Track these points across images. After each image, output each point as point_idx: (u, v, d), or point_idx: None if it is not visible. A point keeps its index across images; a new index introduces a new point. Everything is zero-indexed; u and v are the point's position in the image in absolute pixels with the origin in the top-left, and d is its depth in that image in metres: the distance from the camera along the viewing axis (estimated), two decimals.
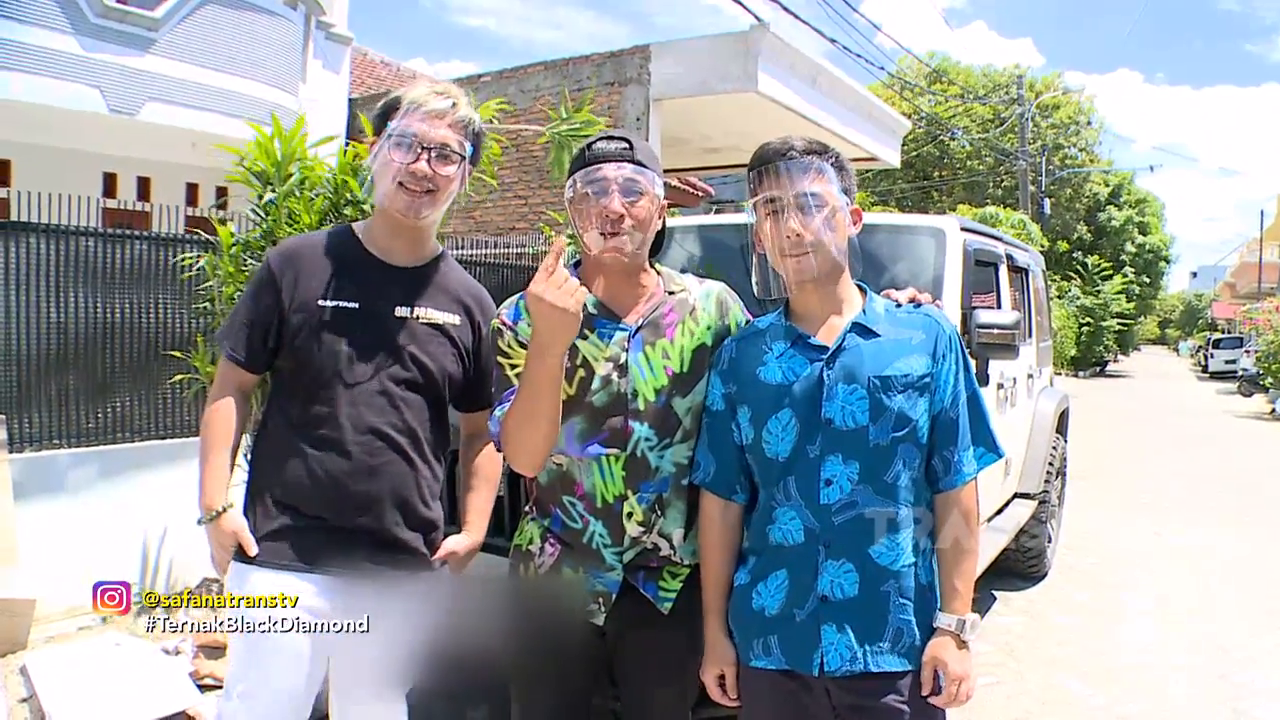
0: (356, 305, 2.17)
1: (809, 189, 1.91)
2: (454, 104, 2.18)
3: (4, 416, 4.90)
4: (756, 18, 10.08)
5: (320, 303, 2.15)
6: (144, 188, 9.73)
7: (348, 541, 2.13)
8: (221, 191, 4.79)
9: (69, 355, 5.27)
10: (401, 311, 2.21)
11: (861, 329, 1.96)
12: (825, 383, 1.91)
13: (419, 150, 2.14)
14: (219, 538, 2.15)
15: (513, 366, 2.06)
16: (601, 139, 2.07)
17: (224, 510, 2.14)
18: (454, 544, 2.32)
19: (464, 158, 2.21)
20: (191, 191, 9.60)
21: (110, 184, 9.52)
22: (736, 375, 2.02)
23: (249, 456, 2.33)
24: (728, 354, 2.06)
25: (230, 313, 2.25)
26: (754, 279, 2.08)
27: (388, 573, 2.17)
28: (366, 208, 4.92)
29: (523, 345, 2.02)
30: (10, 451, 4.89)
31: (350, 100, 10.93)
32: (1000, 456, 2.02)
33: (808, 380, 1.93)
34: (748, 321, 2.18)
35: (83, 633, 4.79)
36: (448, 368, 2.26)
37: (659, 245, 2.17)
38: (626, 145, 2.03)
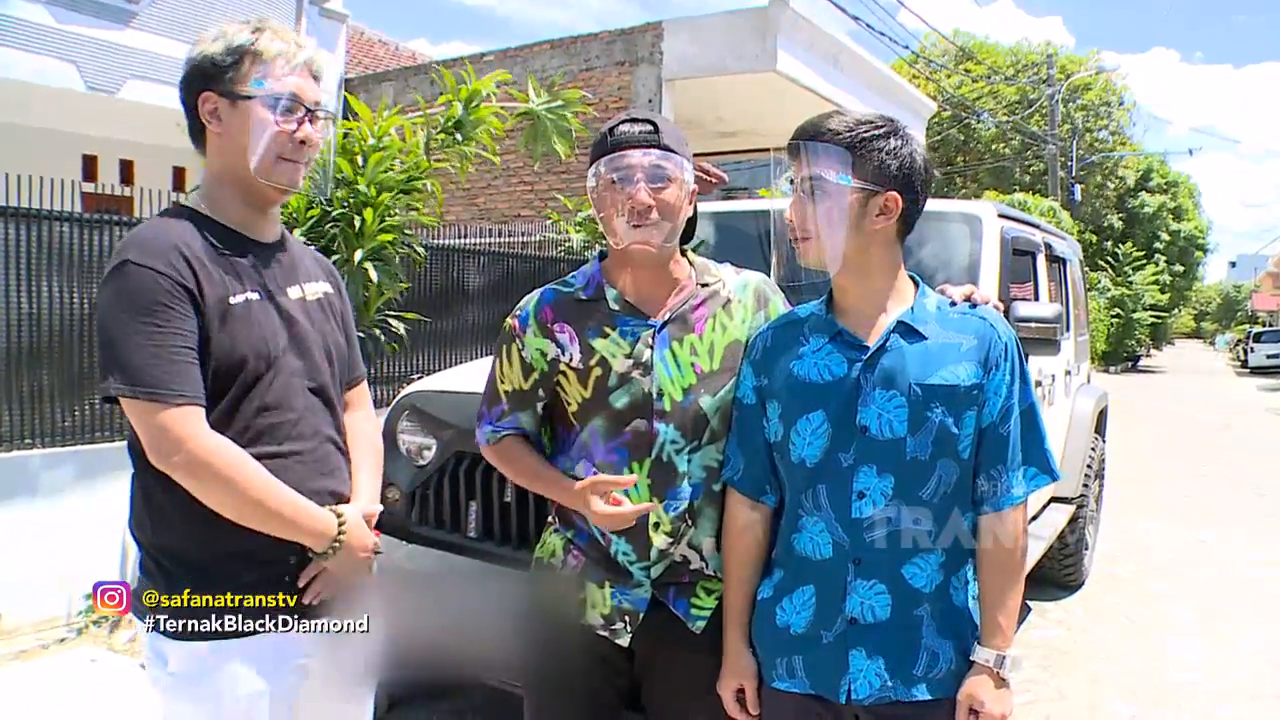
0: (258, 295, 1.81)
1: (810, 173, 1.78)
2: (311, 50, 1.85)
3: None
4: None
5: (230, 300, 1.76)
6: (127, 171, 9.48)
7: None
8: None
9: (42, 349, 5.02)
10: (294, 292, 1.89)
11: (907, 329, 1.81)
12: (862, 386, 1.78)
13: (301, 113, 1.80)
14: (352, 559, 1.82)
15: (503, 381, 2.03)
16: (624, 121, 1.93)
17: (342, 526, 1.80)
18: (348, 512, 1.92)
19: (329, 112, 1.90)
20: (178, 175, 9.35)
21: (90, 167, 9.28)
22: (769, 367, 1.89)
23: (138, 506, 1.82)
24: (761, 343, 1.94)
25: (120, 349, 1.66)
26: (774, 263, 2.02)
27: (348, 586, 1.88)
28: (362, 188, 4.70)
29: (524, 362, 1.99)
30: None
31: (345, 80, 10.67)
32: (1055, 479, 1.87)
33: (844, 381, 1.80)
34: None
35: (57, 647, 4.55)
36: (341, 344, 1.99)
37: (690, 233, 2.05)
38: (651, 128, 1.91)
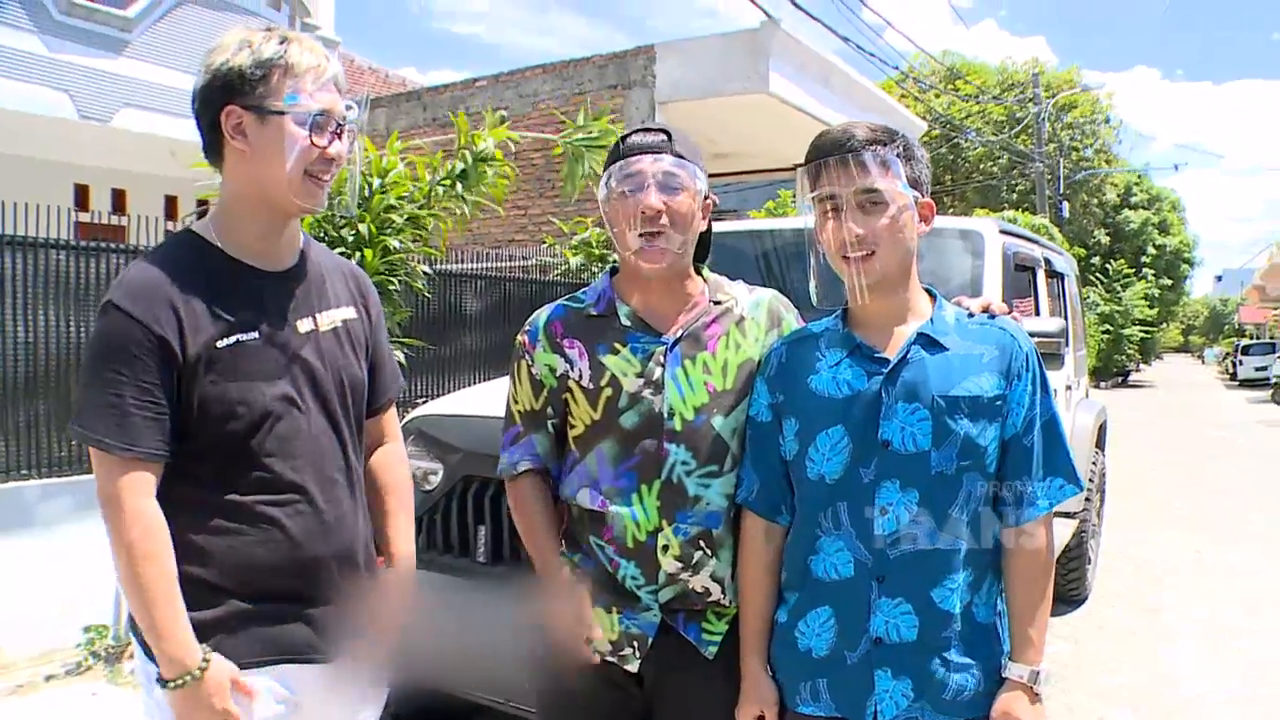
0: (256, 335, 1.72)
1: (871, 185, 1.72)
2: (331, 60, 1.77)
3: None
4: (767, 14, 9.78)
5: (220, 344, 1.68)
6: (119, 200, 9.42)
7: (317, 616, 1.76)
8: (202, 203, 4.51)
9: (38, 378, 4.99)
10: (304, 325, 1.79)
11: (927, 340, 1.77)
12: (884, 400, 1.74)
13: (332, 129, 1.73)
14: (206, 698, 1.60)
15: (515, 402, 2.00)
16: (637, 132, 1.92)
17: (205, 667, 1.61)
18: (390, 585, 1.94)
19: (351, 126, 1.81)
20: (170, 204, 9.30)
21: (83, 196, 9.22)
22: (785, 384, 1.85)
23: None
24: (776, 359, 1.89)
25: (87, 392, 1.63)
26: (812, 284, 1.91)
27: (356, 625, 1.82)
28: (362, 229, 4.68)
29: (534, 379, 1.96)
30: None
31: None
32: (1080, 489, 1.82)
33: (864, 395, 1.76)
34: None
35: (56, 680, 4.48)
36: (362, 377, 1.89)
37: (705, 250, 2.01)
38: (664, 137, 1.88)
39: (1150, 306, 33.57)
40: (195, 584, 1.67)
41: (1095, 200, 36.02)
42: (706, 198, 1.92)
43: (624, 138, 1.91)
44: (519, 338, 2.00)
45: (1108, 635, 5.40)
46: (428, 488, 3.30)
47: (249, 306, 1.72)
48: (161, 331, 1.61)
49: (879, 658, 1.73)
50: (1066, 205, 31.19)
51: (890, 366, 1.75)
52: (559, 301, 2.02)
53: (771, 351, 1.91)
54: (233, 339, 1.68)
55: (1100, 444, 6.13)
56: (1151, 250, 39.04)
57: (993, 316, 1.85)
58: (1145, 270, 36.78)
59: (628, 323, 1.91)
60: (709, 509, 1.86)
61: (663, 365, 1.88)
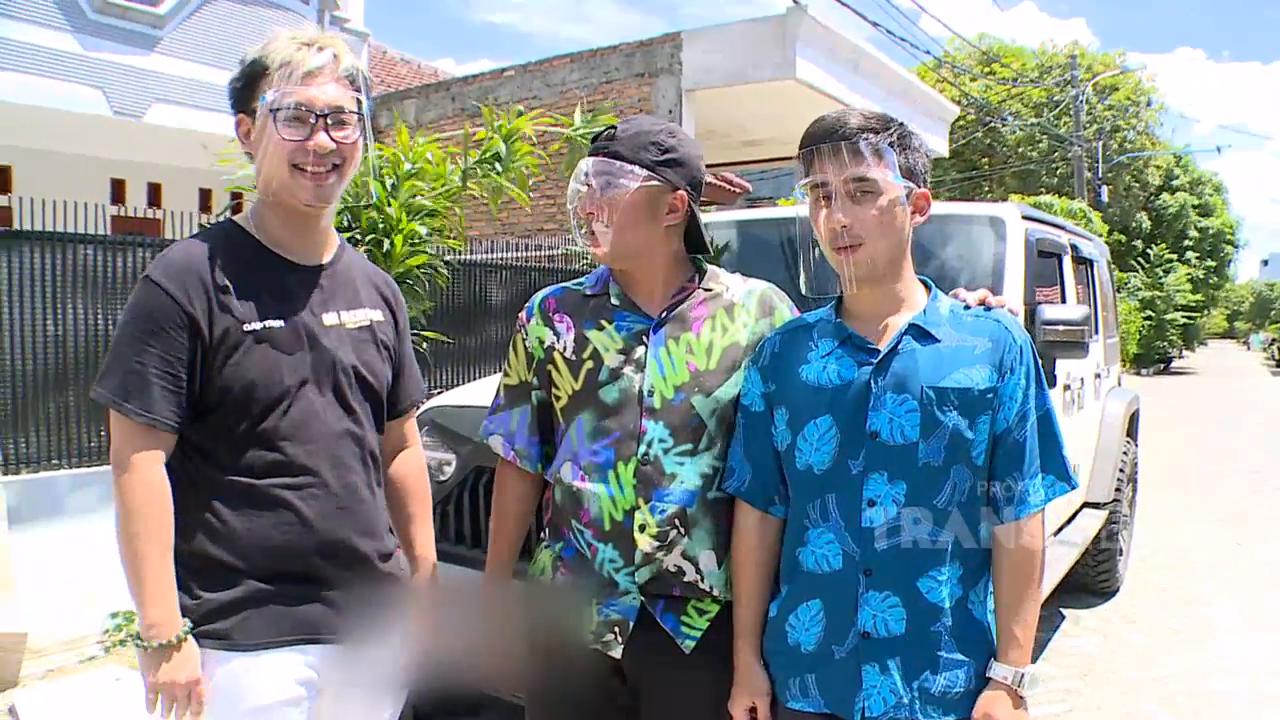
0: (282, 322, 1.79)
1: (861, 173, 1.70)
2: (334, 54, 1.81)
3: None
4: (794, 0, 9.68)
5: (246, 327, 1.76)
6: (155, 194, 9.57)
7: (334, 598, 1.81)
8: (236, 197, 4.55)
9: (69, 371, 5.09)
10: (330, 319, 1.86)
11: (919, 332, 1.76)
12: (872, 390, 1.73)
13: (312, 121, 1.77)
14: (171, 672, 1.66)
15: (506, 375, 2.06)
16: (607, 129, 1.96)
17: (183, 638, 1.68)
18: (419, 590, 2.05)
19: (361, 115, 1.85)
20: (205, 197, 9.42)
21: (119, 190, 9.37)
22: (777, 373, 1.85)
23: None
24: (769, 348, 1.89)
25: (114, 357, 1.72)
26: (802, 274, 1.92)
27: (371, 614, 1.88)
28: (390, 210, 4.71)
29: (528, 351, 2.01)
30: (5, 474, 4.72)
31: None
32: (1073, 487, 1.83)
33: (853, 385, 1.75)
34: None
35: (83, 665, 4.56)
36: (385, 374, 1.97)
37: (697, 239, 2.00)
38: (610, 134, 1.93)
39: (1193, 291, 32.95)
40: (213, 564, 1.74)
41: (1138, 183, 35.43)
42: (676, 190, 1.91)
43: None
44: (519, 315, 2.07)
45: (1139, 629, 5.32)
46: (442, 478, 3.31)
47: (278, 294, 1.81)
48: (191, 309, 1.71)
49: (867, 652, 1.72)
50: (1106, 190, 30.65)
51: (880, 357, 1.74)
52: (562, 284, 2.09)
53: (765, 341, 1.91)
54: (259, 324, 1.76)
55: (1132, 433, 6.02)
56: (1193, 234, 38.37)
57: (989, 309, 1.82)
58: (1187, 254, 36.15)
59: (617, 302, 1.96)
60: (684, 487, 1.87)
61: (645, 344, 1.91)
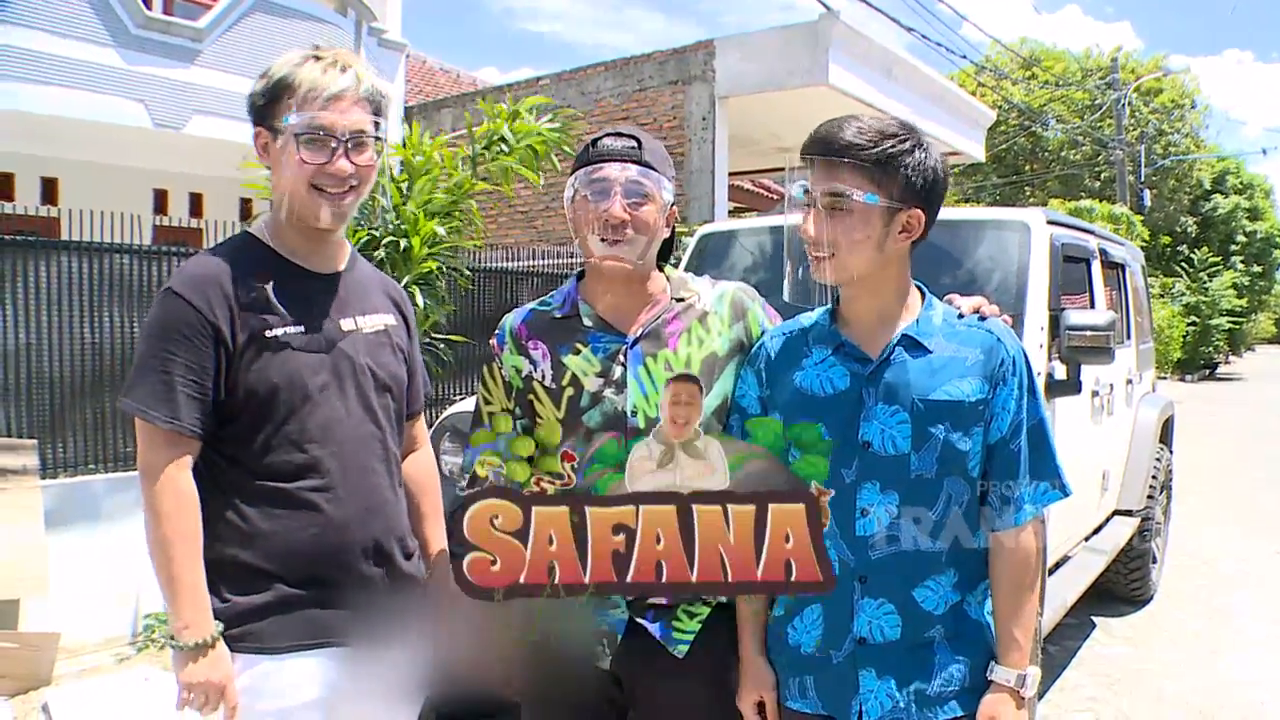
0: (302, 328, 1.84)
1: (837, 189, 1.68)
2: (356, 75, 1.84)
3: (35, 441, 4.80)
4: (826, 6, 9.67)
5: (268, 333, 1.80)
6: (196, 204, 9.71)
7: (357, 601, 1.85)
8: (246, 203, 4.63)
9: (105, 378, 5.19)
10: (347, 324, 1.91)
11: (911, 342, 1.75)
12: (865, 400, 1.73)
13: (334, 145, 1.81)
14: (204, 671, 1.70)
15: (487, 402, 2.01)
16: (608, 135, 1.90)
17: (217, 638, 1.72)
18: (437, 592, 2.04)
19: (379, 137, 1.89)
20: (245, 206, 9.54)
21: (162, 201, 9.50)
22: (774, 378, 1.85)
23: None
24: (766, 352, 1.88)
25: (139, 368, 1.77)
26: (786, 280, 1.91)
27: (395, 616, 1.92)
28: (410, 210, 4.77)
29: (506, 381, 1.98)
30: (43, 478, 4.80)
31: (406, 108, 10.82)
32: (1067, 494, 1.81)
33: (846, 395, 1.75)
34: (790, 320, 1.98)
35: (116, 666, 4.67)
36: (402, 377, 2.01)
37: (668, 251, 2.02)
38: (634, 144, 1.87)
39: (1239, 296, 32.26)
40: (240, 568, 1.78)
41: (1183, 187, 34.84)
42: (672, 206, 1.92)
43: (595, 140, 1.90)
44: (491, 342, 2.04)
45: (1171, 638, 5.24)
46: (462, 484, 3.33)
47: (296, 301, 1.84)
48: (214, 318, 1.75)
49: (863, 657, 1.73)
50: (1149, 194, 30.17)
51: (872, 367, 1.74)
52: (529, 305, 2.05)
53: (762, 343, 1.90)
54: (281, 330, 1.80)
55: (1165, 440, 5.93)
56: (1241, 237, 37.62)
57: (983, 318, 1.81)
58: (1234, 258, 35.44)
59: (590, 323, 1.93)
60: None
61: (623, 364, 1.88)
